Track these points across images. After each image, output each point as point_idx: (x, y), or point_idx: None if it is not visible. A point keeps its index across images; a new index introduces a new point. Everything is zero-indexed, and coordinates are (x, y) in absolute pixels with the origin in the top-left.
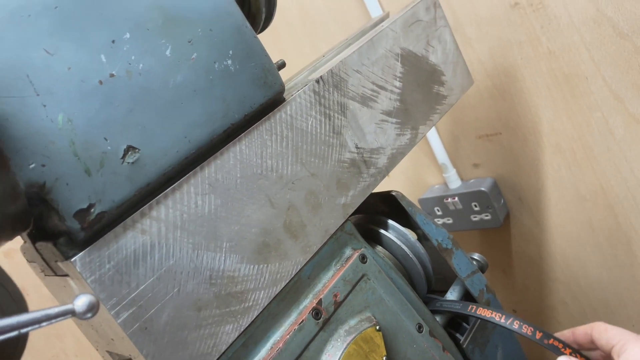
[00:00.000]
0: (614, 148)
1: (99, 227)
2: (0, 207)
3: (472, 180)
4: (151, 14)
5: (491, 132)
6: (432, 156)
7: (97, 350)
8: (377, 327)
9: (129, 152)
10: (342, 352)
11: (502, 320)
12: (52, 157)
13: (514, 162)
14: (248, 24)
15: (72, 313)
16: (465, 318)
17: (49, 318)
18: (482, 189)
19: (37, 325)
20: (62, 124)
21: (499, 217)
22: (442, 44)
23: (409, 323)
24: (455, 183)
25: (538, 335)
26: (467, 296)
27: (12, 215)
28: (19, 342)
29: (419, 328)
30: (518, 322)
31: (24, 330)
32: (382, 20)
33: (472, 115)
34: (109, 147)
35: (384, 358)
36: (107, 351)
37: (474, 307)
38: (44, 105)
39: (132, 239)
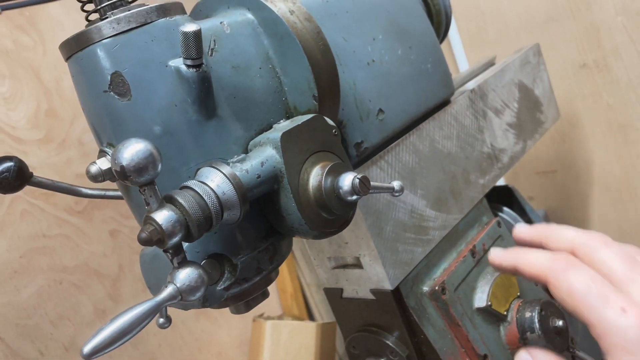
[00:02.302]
0: None
1: (362, 157)
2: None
3: None
4: (392, 24)
5: (548, 170)
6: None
7: (313, 260)
8: None
9: (379, 113)
10: (494, 280)
11: None
12: (346, 105)
13: (565, 197)
14: (439, 42)
15: (392, 190)
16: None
17: (386, 189)
18: None
19: (378, 191)
20: (351, 84)
21: None
22: (542, 83)
23: None
24: None
25: None
26: None
27: None
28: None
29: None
30: None
31: (374, 192)
32: (490, 62)
33: (533, 154)
34: (371, 107)
35: (518, 294)
36: (328, 257)
37: None
38: (343, 72)
39: (374, 171)
